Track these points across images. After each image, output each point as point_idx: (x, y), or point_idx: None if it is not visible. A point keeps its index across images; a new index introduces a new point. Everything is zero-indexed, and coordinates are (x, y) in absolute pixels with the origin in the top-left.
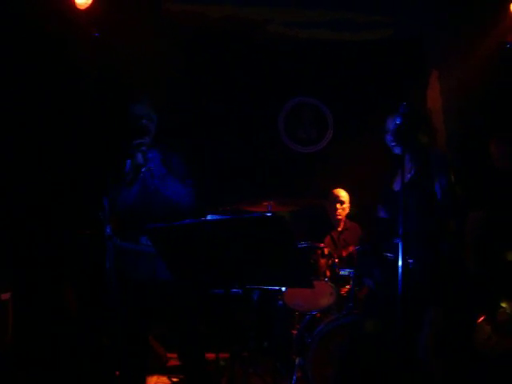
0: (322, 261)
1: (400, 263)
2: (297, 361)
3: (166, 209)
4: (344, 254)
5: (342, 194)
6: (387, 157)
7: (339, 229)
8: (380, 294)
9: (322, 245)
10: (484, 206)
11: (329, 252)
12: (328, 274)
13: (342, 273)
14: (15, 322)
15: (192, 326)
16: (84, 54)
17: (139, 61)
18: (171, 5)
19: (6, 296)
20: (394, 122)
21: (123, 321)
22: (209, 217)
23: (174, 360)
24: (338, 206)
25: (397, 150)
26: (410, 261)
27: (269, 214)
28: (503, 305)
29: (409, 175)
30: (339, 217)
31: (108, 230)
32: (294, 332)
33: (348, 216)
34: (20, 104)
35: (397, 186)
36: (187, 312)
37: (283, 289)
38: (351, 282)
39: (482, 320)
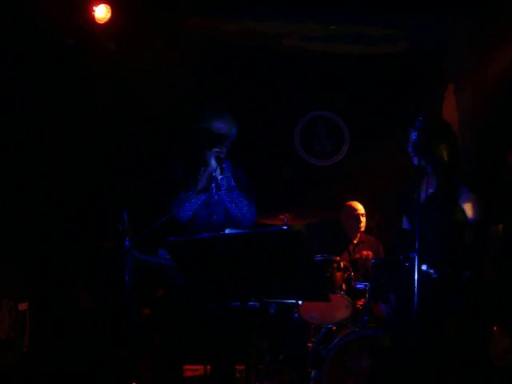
0: (338, 274)
1: (416, 277)
2: (312, 373)
3: (225, 220)
4: (357, 256)
5: (360, 207)
6: (409, 167)
7: (355, 241)
8: (397, 317)
9: (338, 258)
10: (503, 218)
11: (344, 265)
12: (344, 287)
13: (357, 286)
14: (32, 331)
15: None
16: (101, 66)
17: (155, 73)
18: (187, 19)
19: (23, 306)
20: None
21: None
22: (227, 230)
23: (188, 371)
24: (362, 218)
25: (417, 162)
26: (431, 271)
27: (285, 228)
28: None
29: (430, 190)
30: (362, 229)
31: (127, 243)
32: (310, 345)
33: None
34: (43, 113)
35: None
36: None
37: (300, 302)
38: (367, 296)
39: (500, 333)
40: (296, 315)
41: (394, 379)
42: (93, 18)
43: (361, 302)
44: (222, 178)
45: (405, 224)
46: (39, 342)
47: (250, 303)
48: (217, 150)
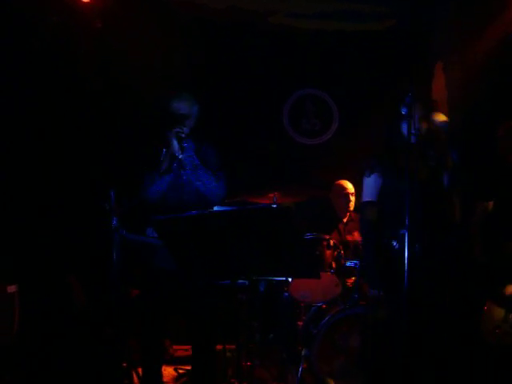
0: (328, 252)
1: (406, 254)
2: (303, 352)
3: (195, 199)
4: (349, 238)
5: (350, 186)
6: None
7: (344, 220)
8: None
9: (328, 236)
10: (491, 195)
11: (334, 243)
12: (334, 265)
13: (347, 264)
14: (21, 314)
15: (202, 319)
16: (86, 45)
17: (141, 52)
18: None
19: (12, 288)
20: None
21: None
22: (215, 208)
23: (180, 351)
24: (351, 197)
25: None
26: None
27: (275, 206)
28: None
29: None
30: (351, 208)
31: (114, 222)
32: (300, 323)
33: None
34: (26, 95)
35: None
36: (198, 304)
37: (289, 279)
38: (357, 274)
39: (490, 309)
40: (286, 294)
41: (385, 357)
42: None
43: (351, 281)
44: (184, 158)
45: (365, 196)
46: (29, 324)
47: (240, 281)
48: (177, 130)
